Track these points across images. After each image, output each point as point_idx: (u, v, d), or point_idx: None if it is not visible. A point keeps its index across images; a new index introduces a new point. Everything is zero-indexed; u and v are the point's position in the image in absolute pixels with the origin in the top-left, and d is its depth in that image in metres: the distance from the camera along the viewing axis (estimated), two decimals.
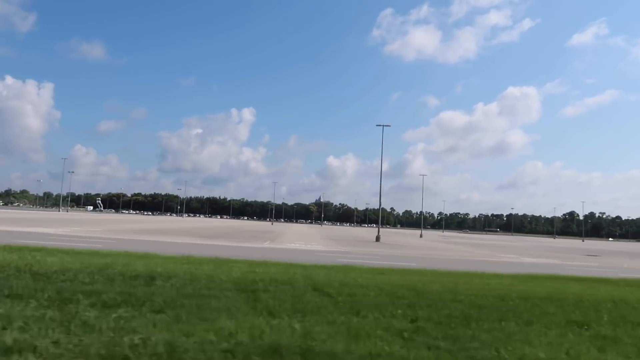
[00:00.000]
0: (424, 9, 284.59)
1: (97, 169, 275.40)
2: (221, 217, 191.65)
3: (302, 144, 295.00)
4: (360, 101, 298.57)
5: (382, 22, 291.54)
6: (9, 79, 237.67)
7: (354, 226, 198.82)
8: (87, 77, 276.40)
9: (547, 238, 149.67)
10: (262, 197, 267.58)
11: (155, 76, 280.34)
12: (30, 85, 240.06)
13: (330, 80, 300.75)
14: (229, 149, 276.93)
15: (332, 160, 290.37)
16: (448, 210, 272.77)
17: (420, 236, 73.62)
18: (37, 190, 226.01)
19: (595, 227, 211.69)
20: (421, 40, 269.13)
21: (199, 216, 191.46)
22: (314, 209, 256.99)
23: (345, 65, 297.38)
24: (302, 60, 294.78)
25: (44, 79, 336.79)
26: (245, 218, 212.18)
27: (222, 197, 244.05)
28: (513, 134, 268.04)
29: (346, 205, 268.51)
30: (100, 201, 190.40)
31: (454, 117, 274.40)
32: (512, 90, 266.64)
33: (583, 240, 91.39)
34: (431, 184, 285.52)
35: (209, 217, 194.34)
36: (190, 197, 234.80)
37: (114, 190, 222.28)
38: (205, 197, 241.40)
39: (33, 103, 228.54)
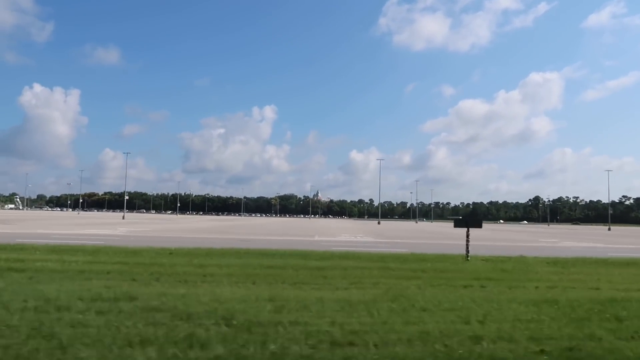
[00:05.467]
0: None
1: (125, 172, 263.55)
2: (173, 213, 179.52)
3: (323, 139, 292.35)
4: (375, 94, 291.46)
5: (388, 10, 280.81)
6: (37, 87, 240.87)
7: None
8: (108, 82, 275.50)
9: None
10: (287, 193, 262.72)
11: (171, 78, 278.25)
12: (58, 93, 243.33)
13: (342, 75, 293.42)
14: (251, 148, 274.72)
15: (355, 155, 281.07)
16: (474, 201, 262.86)
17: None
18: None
19: (554, 211, 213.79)
20: (430, 28, 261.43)
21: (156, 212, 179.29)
22: (276, 202, 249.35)
23: (354, 58, 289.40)
24: (315, 55, 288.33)
25: (70, 85, 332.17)
26: (201, 213, 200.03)
27: (185, 194, 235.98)
28: (537, 121, 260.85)
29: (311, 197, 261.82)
30: (18, 199, 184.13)
31: (474, 106, 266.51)
32: (535, 76, 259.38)
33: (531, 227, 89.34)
34: (456, 175, 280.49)
35: (171, 213, 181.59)
36: (157, 194, 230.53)
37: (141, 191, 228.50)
38: (170, 194, 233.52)
39: (61, 110, 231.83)
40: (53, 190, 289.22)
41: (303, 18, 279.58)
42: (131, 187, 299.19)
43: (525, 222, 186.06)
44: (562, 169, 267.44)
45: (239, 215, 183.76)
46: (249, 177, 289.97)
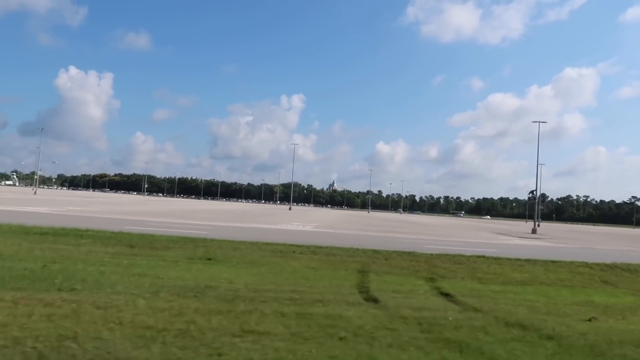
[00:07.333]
0: None
1: (155, 156, 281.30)
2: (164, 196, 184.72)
3: (349, 130, 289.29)
4: (402, 85, 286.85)
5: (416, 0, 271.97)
6: (73, 70, 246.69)
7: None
8: (139, 66, 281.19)
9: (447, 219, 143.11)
10: (313, 183, 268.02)
11: (199, 63, 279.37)
12: (92, 76, 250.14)
13: (368, 65, 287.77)
14: (278, 136, 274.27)
15: (381, 147, 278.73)
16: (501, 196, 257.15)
17: None
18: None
19: (560, 210, 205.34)
20: (459, 19, 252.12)
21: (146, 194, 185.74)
22: (278, 189, 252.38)
23: (381, 48, 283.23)
24: (340, 43, 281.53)
25: (104, 69, 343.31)
26: (192, 196, 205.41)
27: (192, 178, 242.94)
28: (570, 118, 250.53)
29: (312, 186, 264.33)
30: (15, 175, 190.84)
31: (504, 100, 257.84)
32: (569, 72, 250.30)
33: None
34: (484, 170, 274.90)
35: (169, 196, 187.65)
36: (163, 177, 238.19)
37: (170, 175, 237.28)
38: (177, 177, 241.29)
39: (94, 93, 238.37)
40: (85, 170, 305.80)
41: (328, 5, 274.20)
42: (160, 172, 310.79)
43: (489, 217, 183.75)
44: (594, 167, 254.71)
45: (226, 200, 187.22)
46: (274, 165, 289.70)
